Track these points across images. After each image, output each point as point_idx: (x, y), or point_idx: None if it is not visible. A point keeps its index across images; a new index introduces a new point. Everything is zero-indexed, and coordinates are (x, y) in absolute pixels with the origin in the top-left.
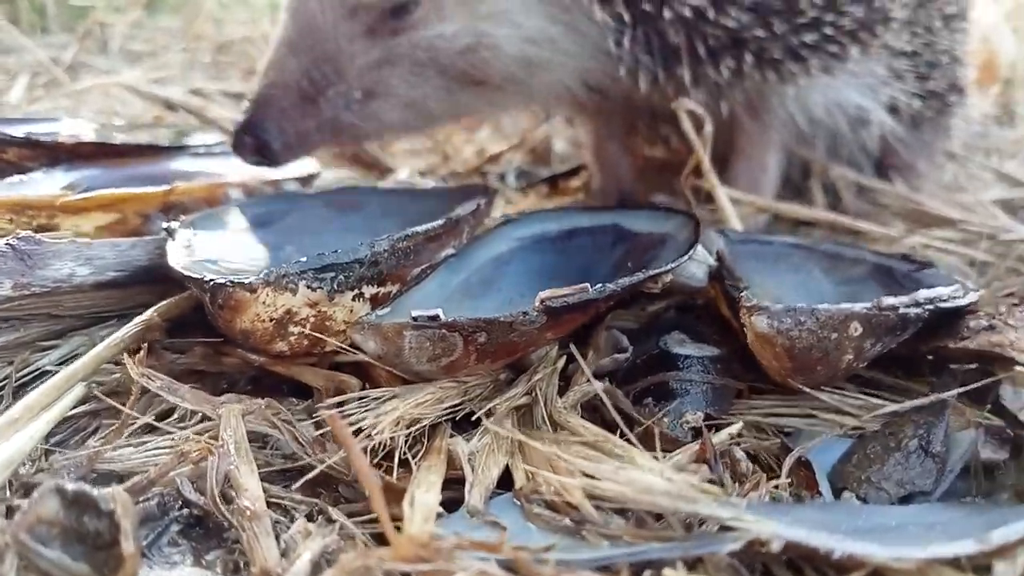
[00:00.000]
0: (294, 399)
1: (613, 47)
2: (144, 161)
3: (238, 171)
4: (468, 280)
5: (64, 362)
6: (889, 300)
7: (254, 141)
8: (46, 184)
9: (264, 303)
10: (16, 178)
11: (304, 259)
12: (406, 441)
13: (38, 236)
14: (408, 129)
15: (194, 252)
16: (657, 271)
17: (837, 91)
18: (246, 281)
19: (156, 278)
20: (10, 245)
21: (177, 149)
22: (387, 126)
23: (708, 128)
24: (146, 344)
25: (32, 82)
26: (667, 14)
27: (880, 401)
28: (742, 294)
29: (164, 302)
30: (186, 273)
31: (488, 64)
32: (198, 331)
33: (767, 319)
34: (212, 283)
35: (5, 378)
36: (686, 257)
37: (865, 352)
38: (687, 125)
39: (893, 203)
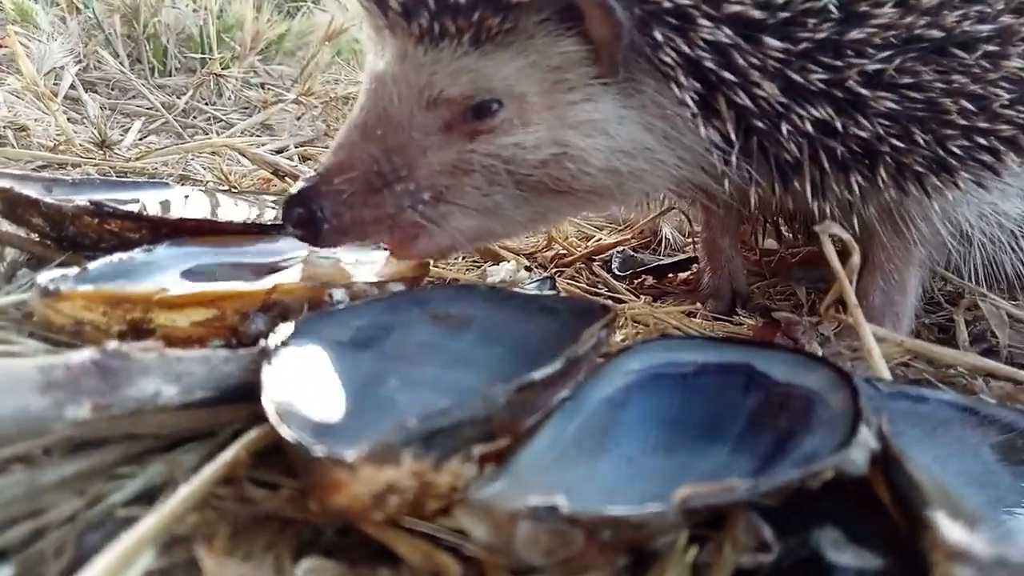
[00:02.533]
0: (384, 569)
1: (719, 162)
2: (247, 240)
3: (342, 257)
4: (582, 429)
5: (140, 497)
6: None
7: (305, 214)
8: (144, 267)
9: (365, 481)
10: (116, 257)
11: (411, 424)
12: None
13: (125, 349)
14: (481, 236)
15: (290, 388)
16: (819, 467)
17: (993, 203)
18: (346, 458)
19: (247, 396)
20: (94, 362)
21: (281, 227)
22: (459, 232)
23: (856, 259)
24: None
25: (145, 126)
26: (785, 128)
27: None
28: (931, 517)
29: (253, 434)
30: (280, 431)
31: (572, 176)
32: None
33: (975, 572)
34: (307, 455)
35: (73, 515)
36: (851, 447)
37: None
38: (829, 252)
39: None
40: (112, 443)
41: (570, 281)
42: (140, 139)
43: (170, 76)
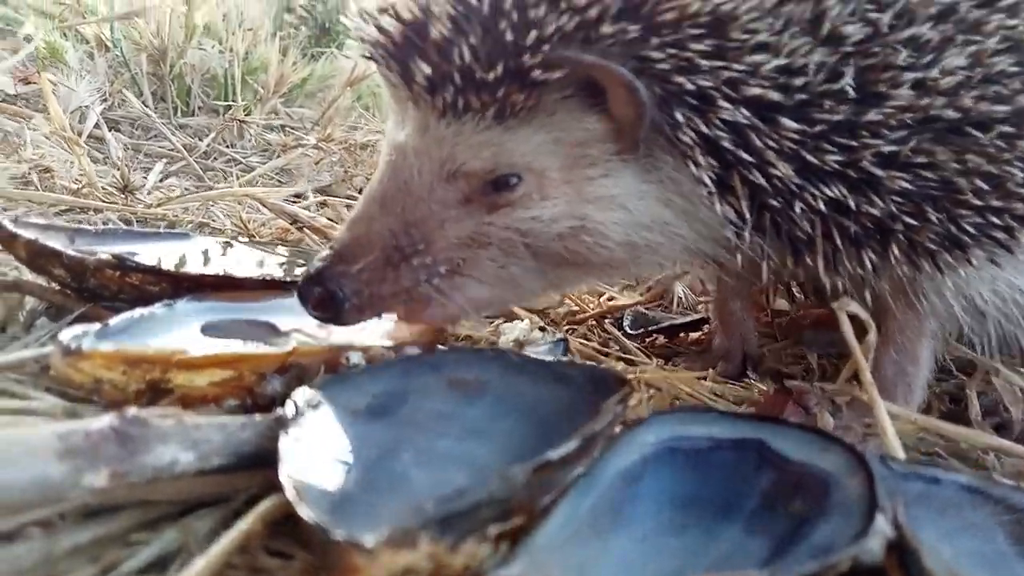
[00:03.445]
0: None
1: (733, 237)
2: (267, 295)
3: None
4: (596, 505)
5: (154, 565)
6: None
7: (324, 294)
8: (165, 322)
9: (382, 565)
10: (137, 312)
11: (429, 507)
12: None
13: (144, 416)
14: (491, 305)
15: (307, 462)
16: (836, 559)
17: (1007, 279)
18: (365, 543)
19: (263, 463)
20: (113, 428)
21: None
22: (472, 302)
23: (872, 337)
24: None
25: (166, 168)
26: (799, 206)
27: None
28: None
29: (268, 503)
30: (299, 511)
31: (590, 249)
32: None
33: None
34: (326, 537)
35: None
36: (868, 537)
37: None
38: (846, 330)
39: None
40: (126, 509)
41: (582, 341)
42: (161, 180)
43: (193, 116)
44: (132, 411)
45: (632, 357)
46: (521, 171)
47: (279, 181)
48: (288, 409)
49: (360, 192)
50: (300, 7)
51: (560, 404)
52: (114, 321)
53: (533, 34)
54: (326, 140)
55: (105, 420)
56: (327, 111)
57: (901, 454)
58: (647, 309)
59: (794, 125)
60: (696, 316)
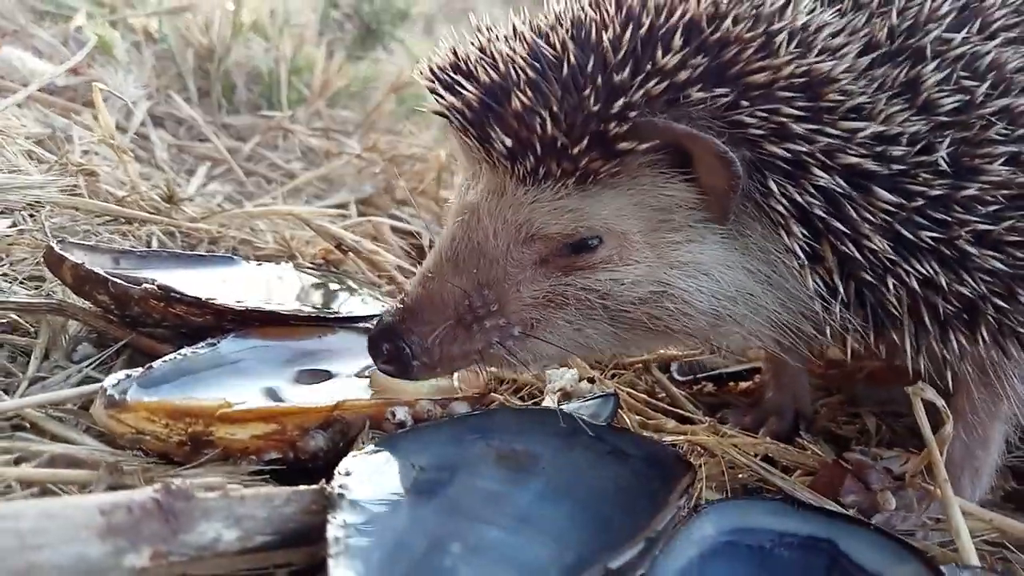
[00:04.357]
0: None
1: (820, 311)
2: (311, 333)
3: None
4: None
5: None
6: None
7: (394, 350)
8: (209, 364)
9: None
10: (180, 354)
11: None
12: None
13: (188, 488)
14: (559, 360)
15: (352, 548)
16: None
17: None
18: None
19: (307, 540)
20: (157, 503)
21: (344, 320)
22: (540, 359)
23: (949, 428)
24: None
25: (209, 171)
26: (891, 282)
27: None
28: None
29: None
30: None
31: (671, 316)
32: None
33: None
34: None
35: None
36: None
37: None
38: (921, 419)
39: None
40: None
41: (629, 390)
42: (204, 184)
43: (237, 114)
44: (176, 483)
45: (682, 412)
46: (601, 234)
47: (321, 190)
48: (335, 484)
49: (402, 204)
50: (346, 3)
51: (617, 488)
52: (157, 365)
53: (620, 102)
54: (370, 150)
55: (148, 492)
56: (371, 115)
57: (976, 561)
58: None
59: (890, 197)
60: (746, 364)
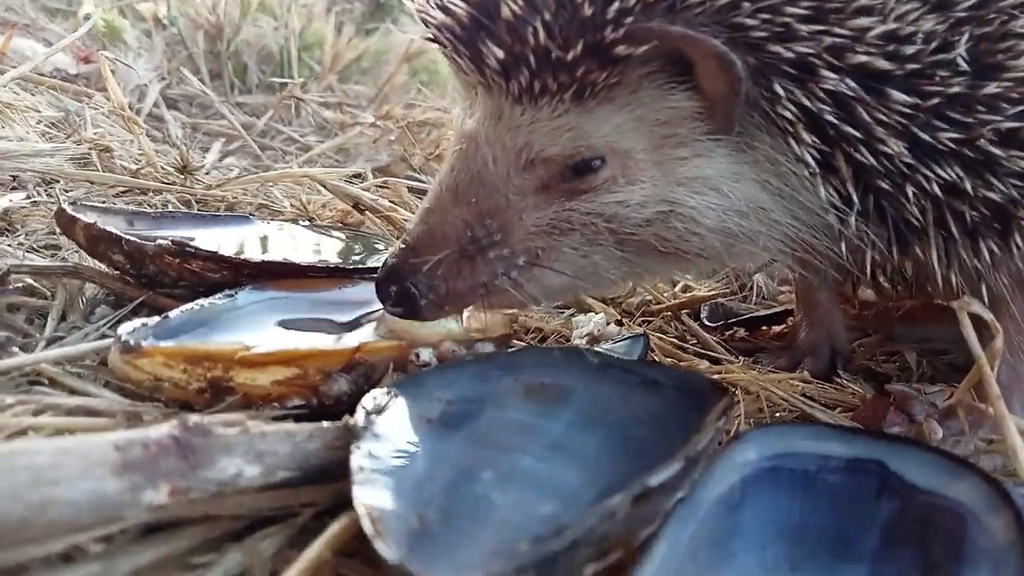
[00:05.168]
0: None
1: (836, 223)
2: (331, 283)
3: None
4: (696, 538)
5: None
6: None
7: (401, 291)
8: (227, 315)
9: None
10: (197, 304)
11: (523, 550)
12: None
13: (208, 424)
14: (569, 294)
15: (381, 486)
16: None
17: None
18: None
19: (330, 476)
20: (175, 439)
21: (365, 271)
22: (548, 291)
23: (999, 342)
24: None
25: (224, 147)
26: (910, 190)
27: None
28: None
29: (337, 527)
30: (378, 549)
31: (680, 236)
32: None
33: None
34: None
35: None
36: None
37: None
38: (969, 333)
39: None
40: (187, 526)
41: (659, 335)
42: (219, 159)
43: (250, 93)
44: (194, 419)
45: (714, 354)
46: (604, 154)
47: (337, 161)
48: (358, 417)
49: (419, 171)
50: None
51: (651, 417)
52: (174, 314)
53: (614, 7)
54: (384, 118)
55: (165, 429)
56: (383, 88)
57: None
58: (725, 299)
59: (904, 98)
60: (779, 308)
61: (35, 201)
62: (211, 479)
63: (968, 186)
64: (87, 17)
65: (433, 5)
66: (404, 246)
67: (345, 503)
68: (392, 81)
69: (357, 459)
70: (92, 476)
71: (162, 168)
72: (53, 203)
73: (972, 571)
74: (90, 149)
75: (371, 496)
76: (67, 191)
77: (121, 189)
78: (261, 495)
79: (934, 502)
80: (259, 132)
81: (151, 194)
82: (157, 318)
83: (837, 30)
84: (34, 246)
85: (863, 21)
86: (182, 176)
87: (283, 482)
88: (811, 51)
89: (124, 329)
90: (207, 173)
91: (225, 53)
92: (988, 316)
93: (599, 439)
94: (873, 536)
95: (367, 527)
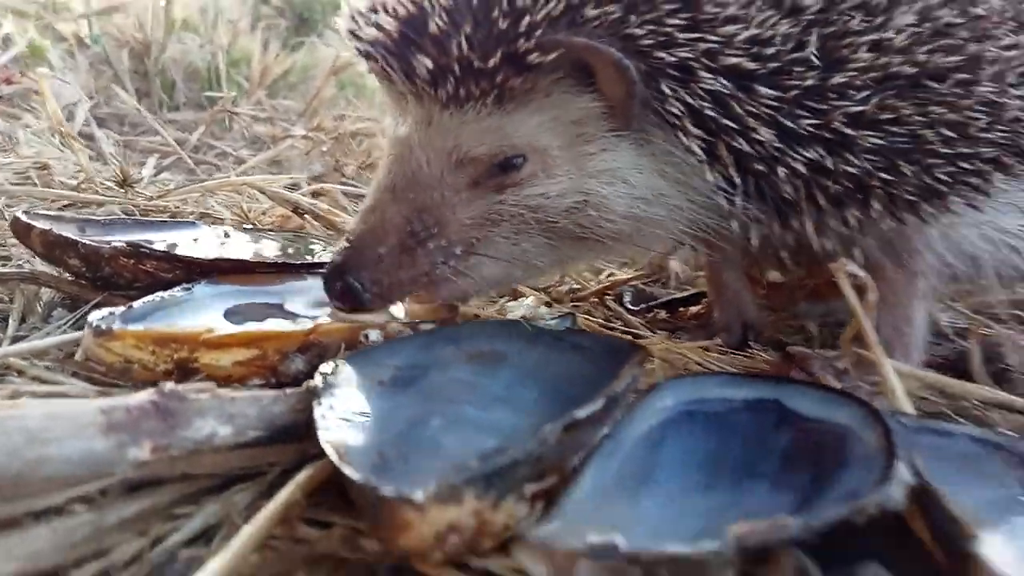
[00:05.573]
0: None
1: (725, 204)
2: (279, 279)
3: None
4: (623, 468)
5: (198, 537)
6: None
7: (345, 287)
8: (186, 305)
9: (431, 521)
10: (158, 296)
11: (472, 464)
12: None
13: (182, 390)
14: (505, 282)
15: (343, 429)
16: (864, 503)
17: (991, 221)
18: (415, 499)
19: (295, 436)
20: (153, 403)
21: (310, 266)
22: (485, 280)
23: (873, 296)
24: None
25: (159, 163)
26: (781, 171)
27: None
28: (975, 551)
29: (305, 474)
30: (344, 471)
31: (595, 222)
32: (338, 498)
33: None
34: (375, 495)
35: (138, 554)
36: (890, 483)
37: None
38: (846, 289)
39: None
40: (168, 483)
41: (586, 316)
42: (155, 174)
43: (178, 110)
44: (169, 386)
45: (636, 331)
46: (525, 151)
47: (271, 172)
48: (317, 380)
49: (352, 180)
50: None
51: (578, 373)
52: (137, 304)
53: (525, 20)
54: (315, 130)
55: (144, 395)
56: (312, 102)
57: (911, 410)
58: (645, 285)
59: (769, 92)
60: (694, 290)
61: None
62: (188, 438)
63: (830, 163)
64: (7, 39)
65: (364, 23)
66: (347, 244)
67: (311, 459)
68: (320, 95)
69: (320, 411)
70: (83, 436)
71: (102, 183)
72: None
73: (850, 472)
74: (28, 167)
75: (335, 436)
76: (10, 207)
77: (64, 203)
78: (233, 454)
79: (822, 427)
80: (192, 147)
81: (94, 207)
82: (122, 308)
83: (710, 37)
84: None
85: (731, 28)
86: (122, 190)
87: (253, 441)
88: (690, 56)
89: (94, 316)
90: (146, 186)
91: (152, 70)
92: (862, 274)
93: (535, 393)
94: (774, 460)
95: (334, 457)
